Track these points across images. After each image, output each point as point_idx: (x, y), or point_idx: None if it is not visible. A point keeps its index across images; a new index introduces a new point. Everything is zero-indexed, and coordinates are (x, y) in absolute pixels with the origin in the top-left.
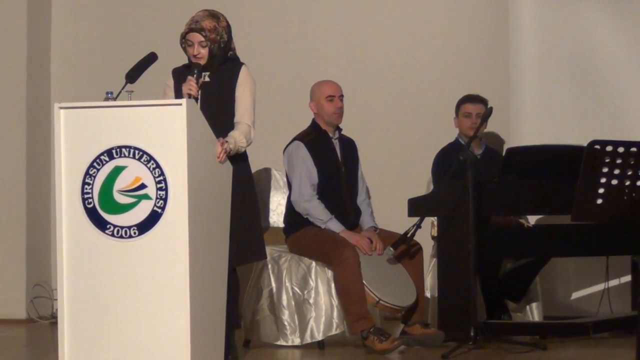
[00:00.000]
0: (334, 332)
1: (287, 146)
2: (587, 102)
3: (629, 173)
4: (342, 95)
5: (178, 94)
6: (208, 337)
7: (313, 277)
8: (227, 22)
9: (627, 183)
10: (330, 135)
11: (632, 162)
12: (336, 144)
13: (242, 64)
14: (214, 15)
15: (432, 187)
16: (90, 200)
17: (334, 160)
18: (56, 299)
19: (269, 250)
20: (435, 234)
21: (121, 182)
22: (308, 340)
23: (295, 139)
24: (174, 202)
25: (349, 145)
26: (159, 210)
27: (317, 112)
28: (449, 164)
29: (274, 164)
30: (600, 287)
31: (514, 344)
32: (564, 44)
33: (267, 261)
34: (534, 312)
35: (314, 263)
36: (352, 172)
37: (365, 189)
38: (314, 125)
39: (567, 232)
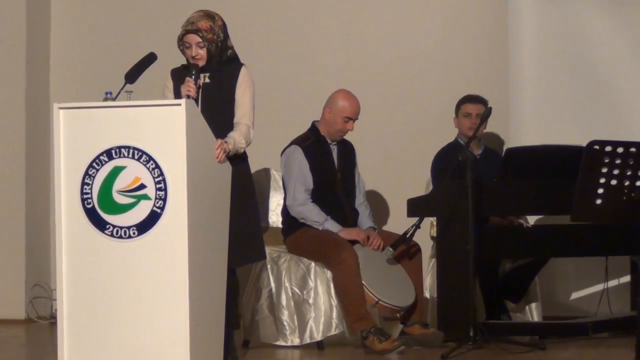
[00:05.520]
0: (333, 332)
1: (284, 149)
2: (587, 102)
3: (628, 173)
4: (357, 118)
5: (177, 95)
6: (207, 337)
7: (312, 277)
8: (222, 21)
9: (627, 183)
10: (329, 141)
11: (631, 162)
12: (334, 149)
13: (242, 64)
14: (209, 15)
15: (431, 187)
16: (89, 200)
17: (330, 167)
18: (55, 299)
19: (268, 250)
20: (435, 234)
21: (120, 183)
22: (307, 340)
23: (293, 142)
24: (173, 202)
25: (346, 149)
26: (159, 211)
27: (326, 120)
28: (448, 164)
29: (273, 165)
30: (599, 287)
31: (514, 344)
32: (564, 44)
33: (266, 261)
34: (533, 313)
35: (313, 263)
36: (349, 177)
37: (363, 193)
38: (313, 129)
39: (567, 232)
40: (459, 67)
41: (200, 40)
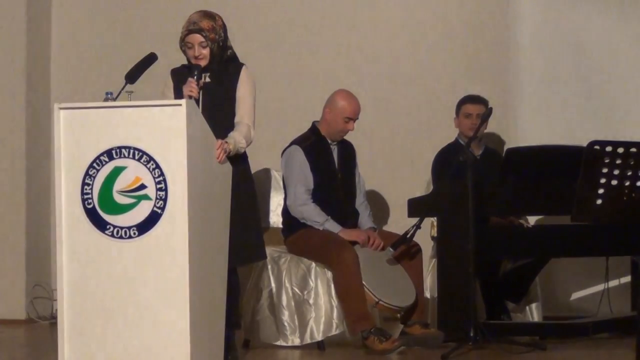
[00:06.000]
0: (333, 332)
1: (285, 149)
2: (587, 102)
3: (629, 173)
4: (357, 118)
5: (178, 95)
6: (208, 337)
7: (313, 277)
8: (222, 21)
9: (627, 183)
10: (329, 141)
11: (631, 163)
12: (334, 149)
13: (242, 64)
14: (209, 15)
15: (432, 187)
16: (90, 200)
17: (330, 167)
18: (56, 300)
19: (268, 250)
20: (435, 235)
21: (121, 183)
22: (308, 340)
23: (293, 142)
24: (174, 202)
25: (347, 149)
26: (159, 211)
27: (327, 120)
28: (448, 164)
29: (273, 165)
30: (600, 287)
31: (514, 344)
32: (564, 44)
33: (266, 261)
34: (533, 313)
35: (313, 263)
36: (350, 177)
37: (363, 193)
38: (314, 129)
39: (567, 232)
40: (459, 67)
41: (203, 40)
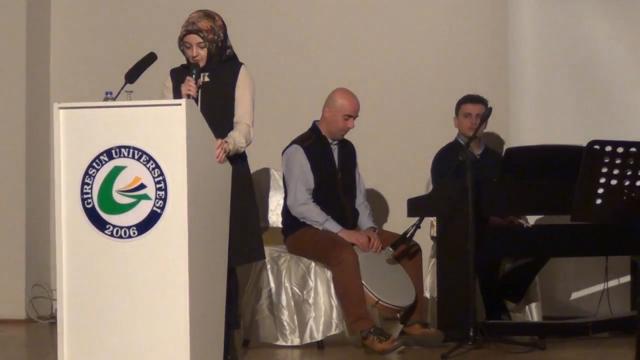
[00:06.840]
0: (333, 332)
1: (285, 149)
2: (587, 102)
3: (628, 173)
4: (357, 116)
5: (177, 95)
6: (207, 337)
7: (312, 277)
8: (222, 20)
9: (627, 183)
10: (330, 140)
11: (631, 162)
12: (334, 149)
13: (241, 64)
14: (209, 15)
15: (431, 187)
16: (89, 200)
17: (331, 167)
18: (55, 299)
19: (268, 250)
20: (435, 234)
21: (120, 182)
22: (307, 340)
23: (294, 142)
24: (173, 202)
25: (347, 149)
26: (158, 211)
27: (326, 119)
28: (448, 164)
29: (273, 164)
30: (599, 287)
31: (513, 344)
32: (564, 44)
33: (266, 261)
34: (533, 312)
35: (313, 263)
36: (350, 177)
37: (363, 193)
38: (314, 129)
39: (567, 232)
40: (460, 66)
41: (201, 40)
